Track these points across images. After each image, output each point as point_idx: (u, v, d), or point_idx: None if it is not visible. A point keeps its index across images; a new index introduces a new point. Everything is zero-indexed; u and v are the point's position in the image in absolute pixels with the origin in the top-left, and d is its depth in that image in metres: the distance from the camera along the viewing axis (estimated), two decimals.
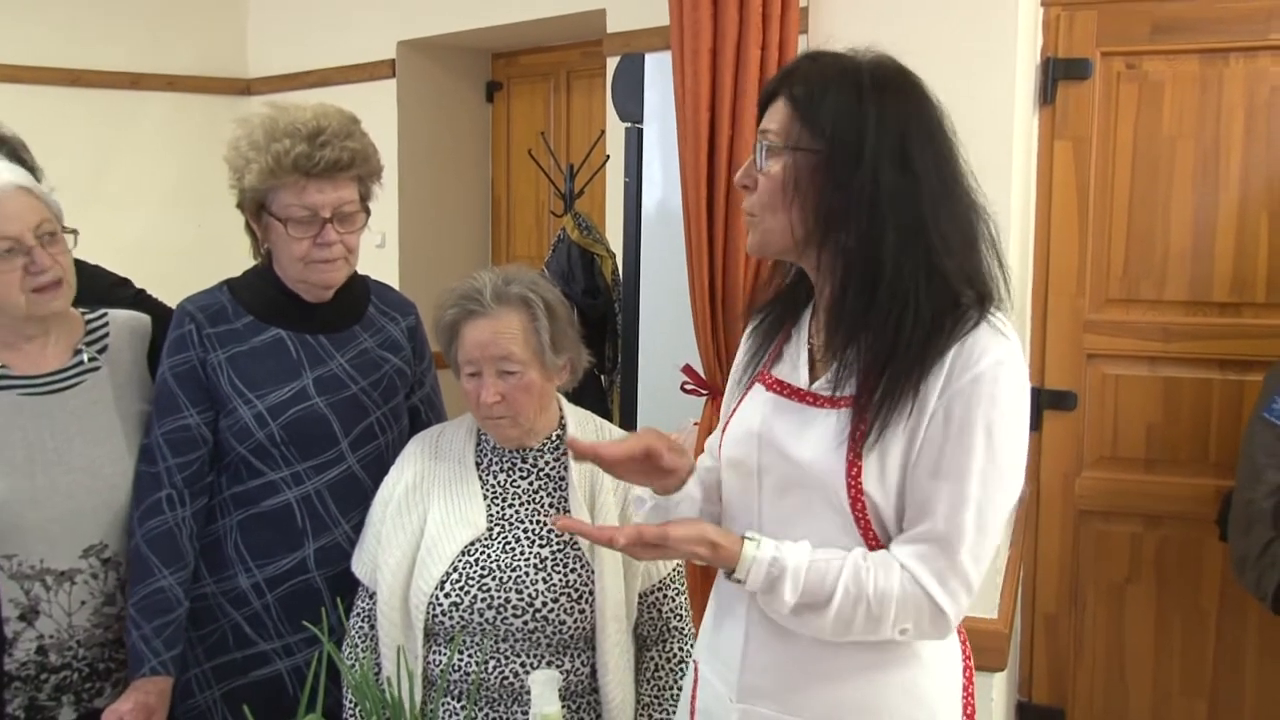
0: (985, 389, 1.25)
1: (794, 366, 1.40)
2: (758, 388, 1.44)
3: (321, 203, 1.82)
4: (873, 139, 1.26)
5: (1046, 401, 2.80)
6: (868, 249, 1.27)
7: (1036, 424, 2.81)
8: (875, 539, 1.31)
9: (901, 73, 1.34)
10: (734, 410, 1.47)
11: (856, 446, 1.28)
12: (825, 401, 1.34)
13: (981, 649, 2.01)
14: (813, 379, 1.37)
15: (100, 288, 2.08)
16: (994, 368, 1.26)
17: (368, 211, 1.91)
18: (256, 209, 1.86)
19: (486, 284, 1.73)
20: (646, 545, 1.30)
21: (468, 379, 1.74)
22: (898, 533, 1.31)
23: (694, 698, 1.51)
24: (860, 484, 1.29)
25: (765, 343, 1.46)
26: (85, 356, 1.88)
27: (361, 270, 2.01)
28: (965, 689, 1.41)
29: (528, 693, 1.59)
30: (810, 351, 1.40)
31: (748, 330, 1.51)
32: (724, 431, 1.47)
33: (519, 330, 1.72)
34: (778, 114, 1.33)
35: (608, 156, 3.57)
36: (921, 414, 1.27)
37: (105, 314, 1.96)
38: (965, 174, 1.34)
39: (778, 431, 1.36)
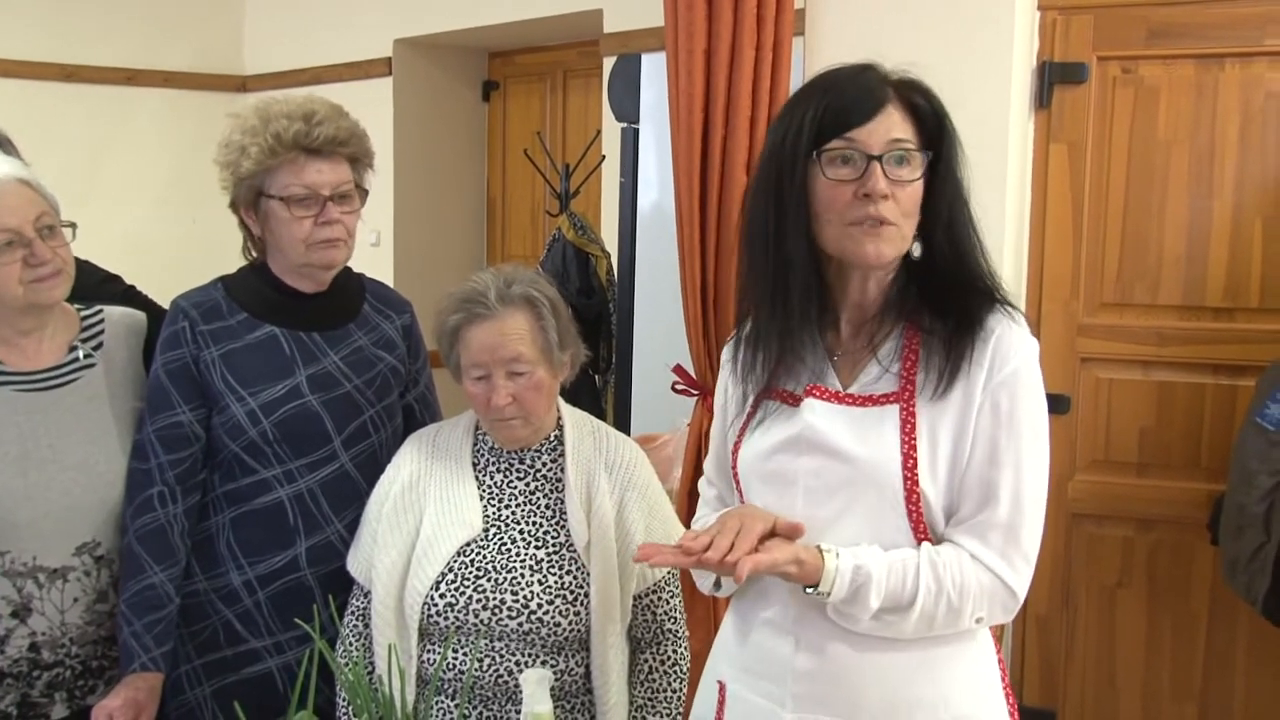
0: (1024, 379, 1.34)
1: (820, 378, 1.41)
2: (775, 404, 1.43)
3: (321, 182, 1.83)
4: (949, 144, 1.37)
5: None
6: (942, 249, 1.36)
7: None
8: (926, 534, 1.34)
9: None
10: (743, 430, 1.46)
11: (909, 439, 1.33)
12: (869, 400, 1.37)
13: None
14: (845, 384, 1.40)
15: (89, 283, 2.07)
16: (1027, 360, 1.35)
17: (363, 195, 1.92)
18: (254, 198, 1.86)
19: (489, 285, 1.72)
20: (758, 572, 1.31)
21: (474, 383, 1.73)
22: (944, 527, 1.34)
23: (719, 719, 1.49)
24: (916, 476, 1.32)
25: (770, 363, 1.44)
26: (81, 353, 1.88)
27: (356, 268, 2.01)
28: (1003, 676, 1.44)
29: (522, 692, 1.59)
30: (833, 361, 1.42)
31: (733, 355, 1.50)
32: (738, 451, 1.46)
33: (526, 330, 1.71)
34: (903, 121, 1.35)
35: (603, 156, 3.58)
36: (968, 406, 1.33)
37: (101, 311, 1.95)
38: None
39: (824, 432, 1.37)
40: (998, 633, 2.06)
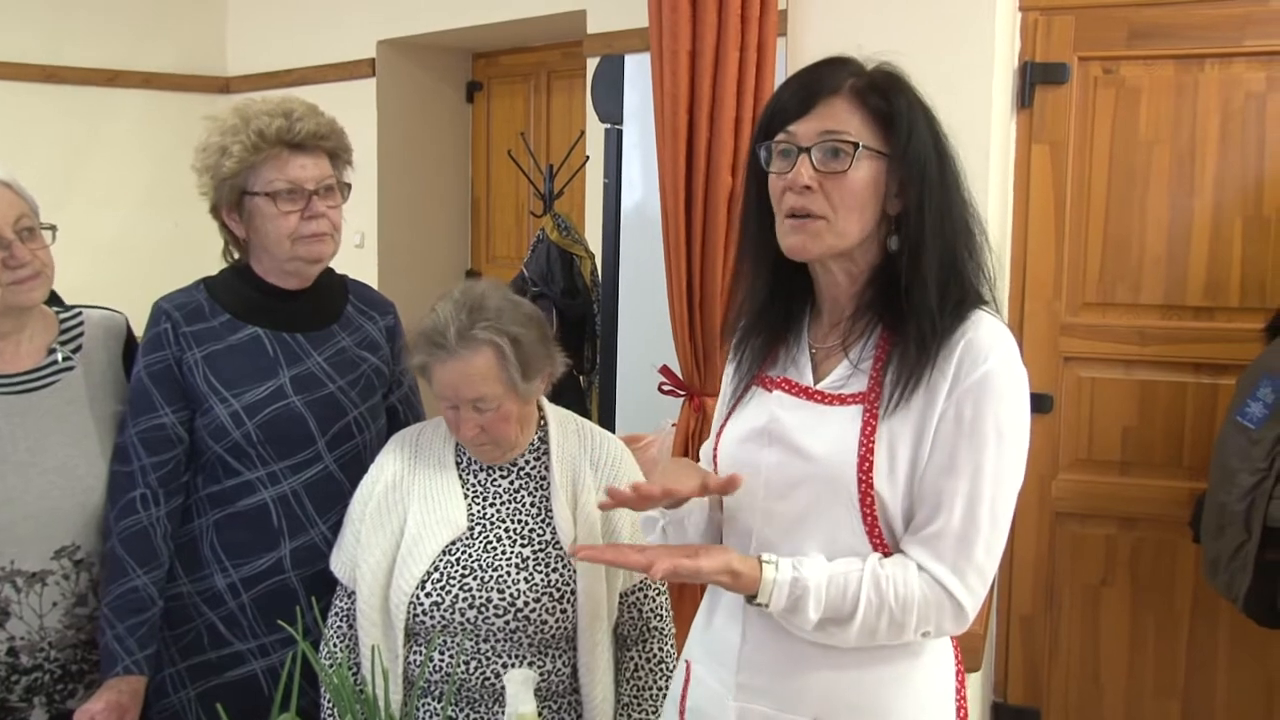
0: (994, 385, 1.29)
1: (797, 368, 1.41)
2: (757, 391, 1.44)
3: (305, 176, 1.84)
4: (927, 142, 1.32)
5: None
6: (915, 250, 1.31)
7: None
8: (881, 538, 1.33)
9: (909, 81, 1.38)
10: (729, 414, 1.47)
11: (868, 441, 1.30)
12: (835, 399, 1.35)
13: None
14: (817, 379, 1.39)
15: None
16: (1000, 365, 1.29)
17: (345, 190, 1.92)
18: (237, 198, 1.85)
19: (449, 323, 1.67)
20: (679, 576, 1.30)
21: (446, 410, 1.73)
22: (904, 533, 1.32)
23: (684, 696, 1.51)
24: (871, 479, 1.30)
25: (760, 352, 1.46)
26: (60, 356, 1.87)
27: (340, 269, 2.01)
28: (958, 689, 1.43)
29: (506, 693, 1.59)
30: (812, 354, 1.41)
31: (735, 344, 1.50)
32: (719, 435, 1.47)
33: (489, 369, 1.67)
34: (846, 114, 1.32)
35: (587, 157, 3.58)
36: (930, 411, 1.29)
37: (80, 313, 1.94)
38: (963, 174, 1.38)
39: (787, 426, 1.37)
40: (982, 628, 2.06)
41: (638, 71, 2.79)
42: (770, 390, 1.42)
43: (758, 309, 1.45)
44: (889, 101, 1.32)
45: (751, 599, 1.31)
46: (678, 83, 2.06)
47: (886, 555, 1.33)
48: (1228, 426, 2.41)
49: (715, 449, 1.47)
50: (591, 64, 3.40)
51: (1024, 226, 2.77)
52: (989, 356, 1.29)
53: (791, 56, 2.13)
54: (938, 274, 1.31)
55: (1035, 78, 2.71)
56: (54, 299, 1.93)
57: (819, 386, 1.38)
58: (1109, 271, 2.74)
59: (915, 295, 1.31)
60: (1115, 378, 2.76)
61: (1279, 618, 2.36)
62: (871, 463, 1.30)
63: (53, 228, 1.83)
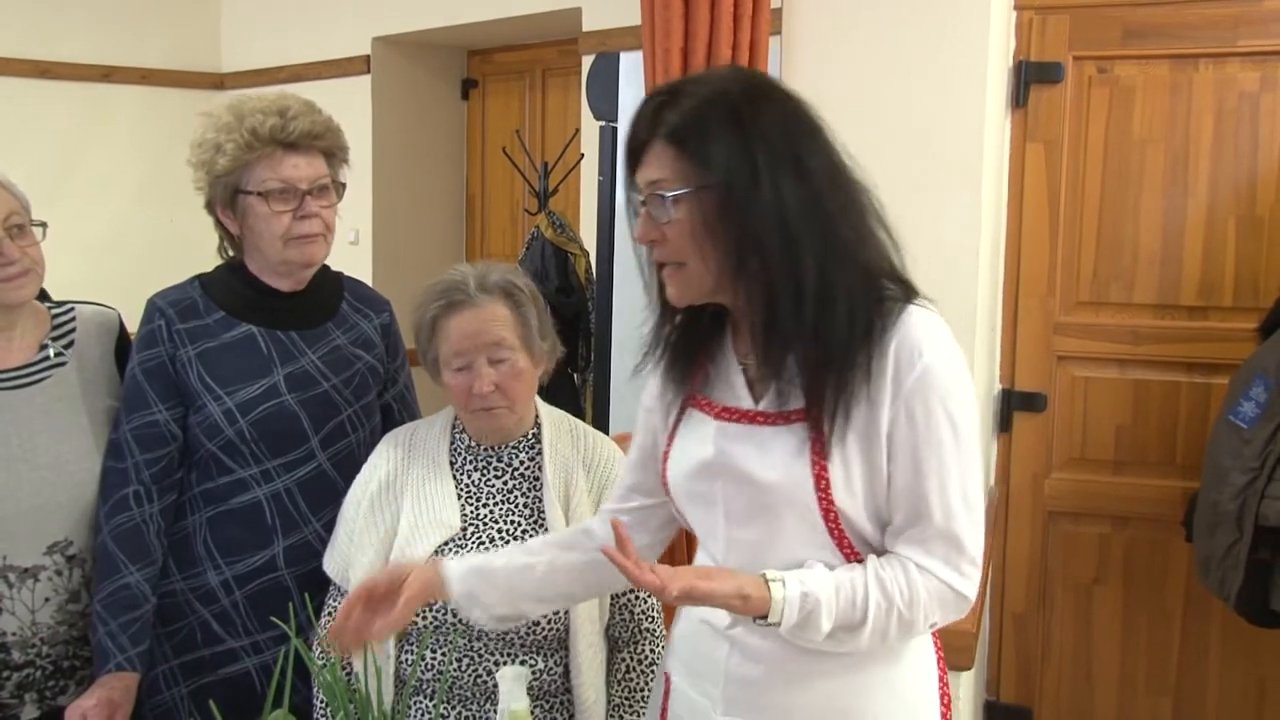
0: (935, 379, 1.27)
1: (732, 389, 1.37)
2: (697, 415, 1.40)
3: (298, 176, 1.83)
4: (765, 158, 1.24)
5: (1016, 403, 2.82)
6: (788, 267, 1.25)
7: (1006, 425, 2.83)
8: (851, 547, 1.32)
9: (768, 82, 1.33)
10: (670, 440, 1.44)
11: (819, 458, 1.28)
12: (777, 418, 1.32)
13: (950, 648, 2.02)
14: (755, 398, 1.35)
15: None
16: (936, 356, 1.27)
17: (340, 190, 1.91)
18: (231, 195, 1.84)
19: (468, 276, 1.75)
20: (693, 599, 1.28)
21: (456, 374, 1.73)
22: (877, 538, 1.32)
23: (664, 709, 1.50)
24: (831, 496, 1.29)
25: (684, 373, 1.42)
26: (51, 351, 1.86)
27: (335, 267, 2.00)
28: (941, 685, 1.43)
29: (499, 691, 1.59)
30: (745, 372, 1.37)
31: (651, 369, 1.45)
32: (666, 462, 1.44)
33: (506, 317, 1.73)
34: (661, 160, 1.28)
35: (582, 155, 3.57)
36: (876, 416, 1.27)
37: (72, 309, 1.94)
38: (846, 156, 1.32)
39: (736, 458, 1.34)
40: (975, 626, 2.07)
41: (633, 69, 2.79)
42: (711, 417, 1.38)
43: (674, 336, 1.41)
44: (703, 136, 1.25)
45: (763, 618, 1.28)
46: (670, 80, 2.06)
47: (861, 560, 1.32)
48: (1220, 426, 2.41)
49: (665, 478, 1.44)
50: (586, 62, 3.40)
51: (1018, 225, 2.77)
52: (923, 351, 1.26)
53: (785, 55, 2.13)
54: (819, 290, 1.25)
55: (1030, 77, 2.71)
56: (43, 295, 1.92)
57: (760, 407, 1.34)
58: (1103, 271, 2.75)
59: (809, 314, 1.25)
60: (1109, 377, 2.77)
61: (1270, 616, 2.36)
62: (828, 480, 1.28)
63: (43, 224, 1.82)
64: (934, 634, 1.44)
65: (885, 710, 1.36)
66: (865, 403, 1.27)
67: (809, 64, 2.12)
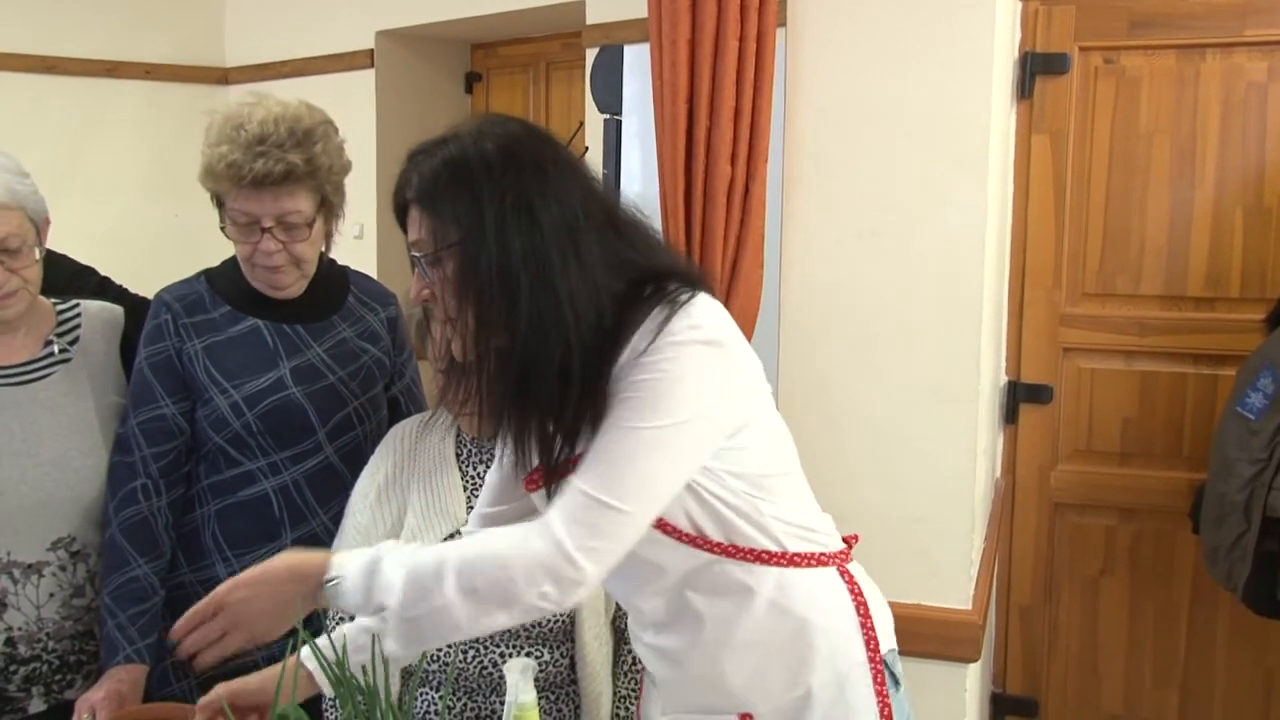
0: (639, 372, 1.26)
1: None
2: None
3: (260, 212, 1.78)
4: (492, 212, 1.25)
5: (1022, 395, 2.82)
6: (508, 323, 1.25)
7: (1012, 417, 2.83)
8: (706, 537, 1.34)
9: (513, 132, 1.33)
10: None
11: None
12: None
13: (956, 640, 2.03)
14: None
15: (62, 276, 2.05)
16: (652, 355, 1.25)
17: (329, 215, 1.88)
18: (218, 202, 1.85)
19: None
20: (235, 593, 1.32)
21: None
22: (716, 526, 1.33)
23: (639, 708, 1.56)
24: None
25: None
26: (56, 348, 1.87)
27: (340, 261, 2.00)
28: (863, 624, 1.40)
29: (506, 684, 1.59)
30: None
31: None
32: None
33: None
34: (416, 222, 1.32)
35: (586, 148, 3.56)
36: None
37: (77, 305, 1.94)
38: (608, 194, 1.35)
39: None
40: (981, 619, 2.07)
41: (637, 62, 2.79)
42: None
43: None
44: (441, 196, 1.29)
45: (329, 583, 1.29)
46: (677, 73, 2.05)
47: (720, 548, 1.34)
48: (1227, 417, 2.41)
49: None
50: (590, 55, 3.39)
51: (1024, 217, 2.77)
52: (643, 358, 1.26)
53: (790, 46, 2.12)
54: (530, 346, 1.25)
55: (1035, 68, 2.70)
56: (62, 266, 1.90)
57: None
58: (1109, 262, 2.74)
59: (533, 378, 1.26)
60: (1115, 369, 2.76)
61: (1278, 608, 2.36)
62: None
63: (40, 246, 1.79)
64: (847, 578, 1.42)
65: (806, 665, 1.36)
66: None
67: (814, 55, 2.11)
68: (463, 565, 1.26)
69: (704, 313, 1.29)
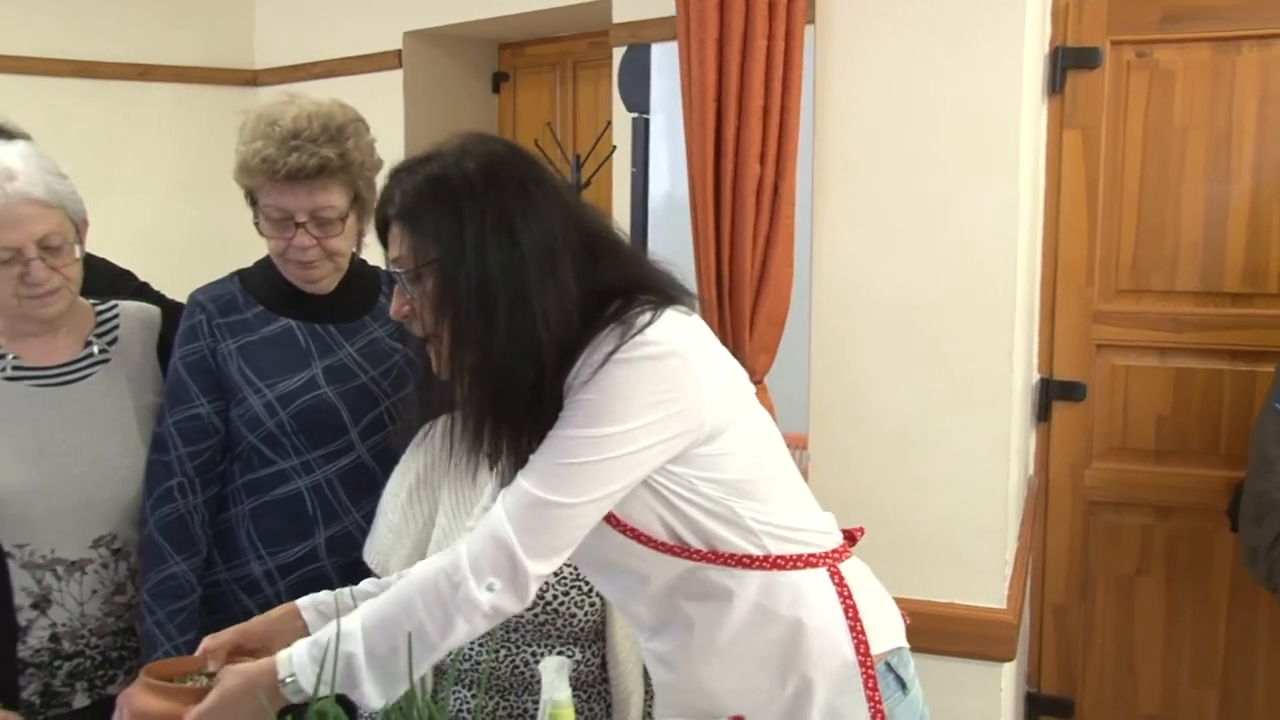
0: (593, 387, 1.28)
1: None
2: None
3: (295, 206, 1.80)
4: (472, 230, 1.28)
5: (1055, 392, 2.79)
6: (484, 340, 1.28)
7: (1045, 415, 2.81)
8: (681, 542, 1.34)
9: (489, 153, 1.35)
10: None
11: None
12: None
13: (990, 639, 2.02)
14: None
15: (102, 281, 2.08)
16: (607, 369, 1.28)
17: (361, 212, 1.88)
18: (251, 200, 1.87)
19: None
20: None
21: None
22: (696, 534, 1.34)
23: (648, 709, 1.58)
24: (617, 518, 1.33)
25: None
26: (95, 349, 1.89)
27: (371, 260, 2.01)
28: (852, 626, 1.39)
29: (538, 682, 1.59)
30: None
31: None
32: None
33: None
34: (397, 239, 1.34)
35: (614, 147, 3.57)
36: None
37: (115, 306, 1.96)
38: (592, 213, 1.39)
39: None
40: (1015, 617, 2.05)
41: (664, 60, 2.79)
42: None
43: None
44: (423, 213, 1.31)
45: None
46: (705, 71, 2.05)
47: (701, 555, 1.35)
48: (1266, 414, 2.37)
49: None
50: (618, 53, 3.39)
51: (1056, 213, 2.74)
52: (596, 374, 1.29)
53: (819, 44, 2.12)
54: (526, 344, 1.28)
55: (1067, 62, 2.68)
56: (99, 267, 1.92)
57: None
58: (1143, 258, 2.71)
59: (507, 395, 1.30)
60: (1150, 365, 2.73)
61: None
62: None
63: (79, 243, 1.81)
64: (837, 580, 1.41)
65: (790, 670, 1.36)
66: None
67: (843, 53, 2.10)
68: (423, 584, 1.29)
69: (661, 330, 1.30)
